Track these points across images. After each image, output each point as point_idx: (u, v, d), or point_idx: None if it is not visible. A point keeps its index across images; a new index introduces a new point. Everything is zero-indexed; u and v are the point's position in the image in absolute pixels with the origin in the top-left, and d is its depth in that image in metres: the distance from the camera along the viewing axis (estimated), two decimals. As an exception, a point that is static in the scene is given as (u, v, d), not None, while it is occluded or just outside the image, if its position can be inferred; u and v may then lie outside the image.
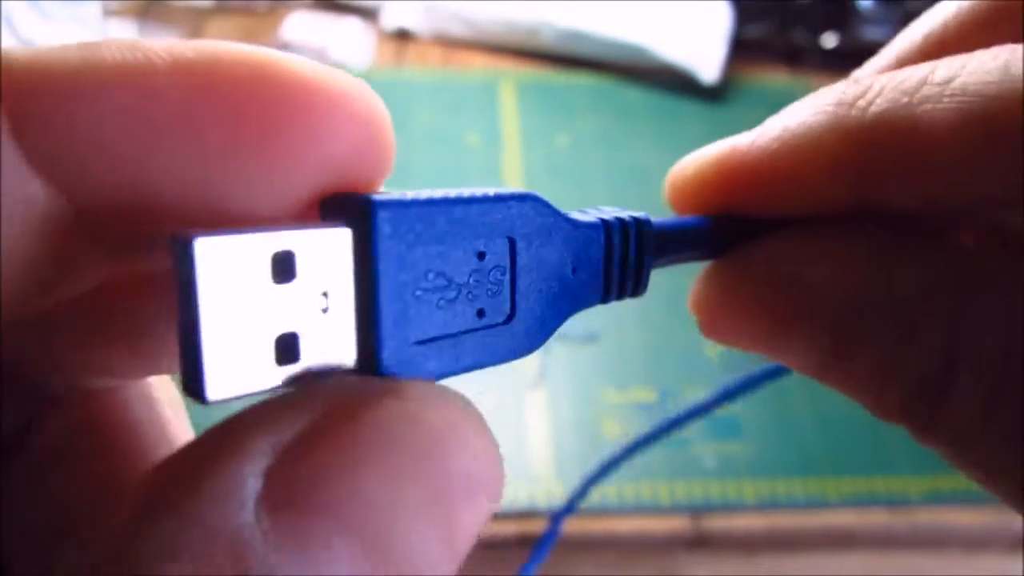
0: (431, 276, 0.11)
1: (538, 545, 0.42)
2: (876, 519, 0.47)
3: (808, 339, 0.14)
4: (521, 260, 0.12)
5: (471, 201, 0.11)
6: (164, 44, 0.10)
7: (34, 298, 0.10)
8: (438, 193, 0.11)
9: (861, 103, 0.13)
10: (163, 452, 0.13)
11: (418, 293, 0.11)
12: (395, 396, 0.09)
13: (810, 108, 0.14)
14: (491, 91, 0.76)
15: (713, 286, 0.16)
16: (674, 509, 0.46)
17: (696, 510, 0.46)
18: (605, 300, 0.14)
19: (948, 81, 0.12)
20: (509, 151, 0.69)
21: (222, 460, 0.09)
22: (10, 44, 0.60)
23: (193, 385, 0.09)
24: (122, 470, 0.12)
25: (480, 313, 0.12)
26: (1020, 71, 0.11)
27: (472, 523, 0.10)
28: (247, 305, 0.09)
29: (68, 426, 0.12)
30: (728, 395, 0.41)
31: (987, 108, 0.12)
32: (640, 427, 0.50)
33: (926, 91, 0.12)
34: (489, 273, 0.12)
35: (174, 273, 0.09)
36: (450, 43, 0.81)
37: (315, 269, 0.10)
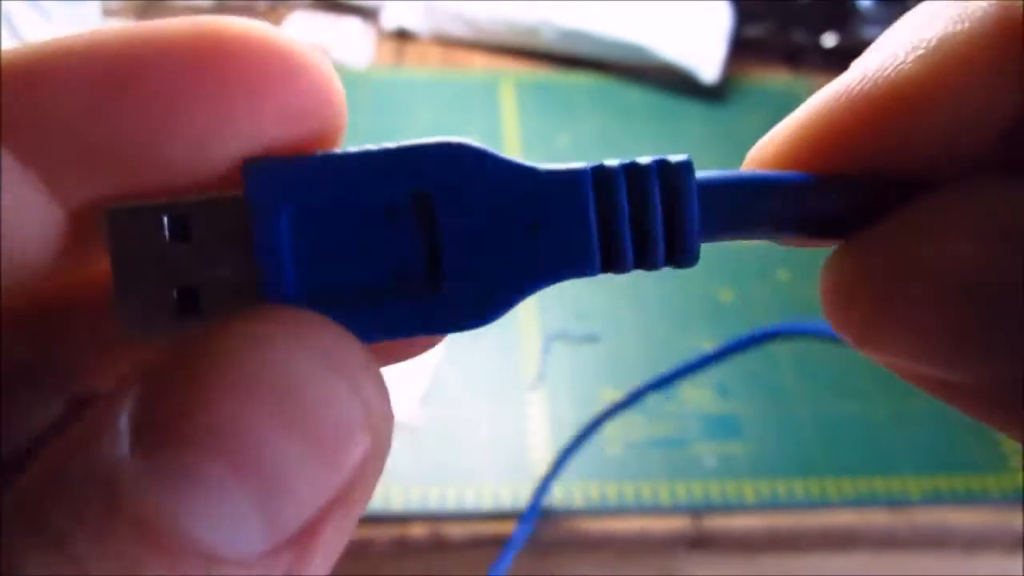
0: (324, 236, 0.11)
1: (507, 545, 0.42)
2: (876, 519, 0.47)
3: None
4: (444, 218, 0.11)
5: (368, 155, 0.11)
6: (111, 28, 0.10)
7: (37, 289, 0.11)
8: (339, 150, 0.11)
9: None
10: None
11: (306, 252, 0.11)
12: (248, 319, 0.10)
13: (955, 8, 0.11)
14: (491, 91, 0.76)
15: (863, 286, 0.11)
16: (674, 509, 0.46)
17: (696, 510, 0.46)
18: (612, 268, 0.11)
19: None
20: (509, 151, 0.69)
21: (104, 400, 0.09)
22: (10, 44, 0.60)
23: (119, 323, 0.11)
24: None
25: (394, 277, 0.11)
26: None
27: (350, 455, 0.09)
28: (150, 263, 0.10)
29: None
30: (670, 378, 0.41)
31: None
32: (639, 427, 0.50)
33: None
34: (401, 232, 0.11)
35: (104, 237, 0.10)
36: (450, 43, 0.81)
37: (213, 231, 0.11)
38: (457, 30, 0.80)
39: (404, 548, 0.45)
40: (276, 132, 0.10)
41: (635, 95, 0.76)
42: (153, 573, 0.08)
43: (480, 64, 0.79)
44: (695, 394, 0.52)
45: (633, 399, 0.42)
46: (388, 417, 0.10)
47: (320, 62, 0.10)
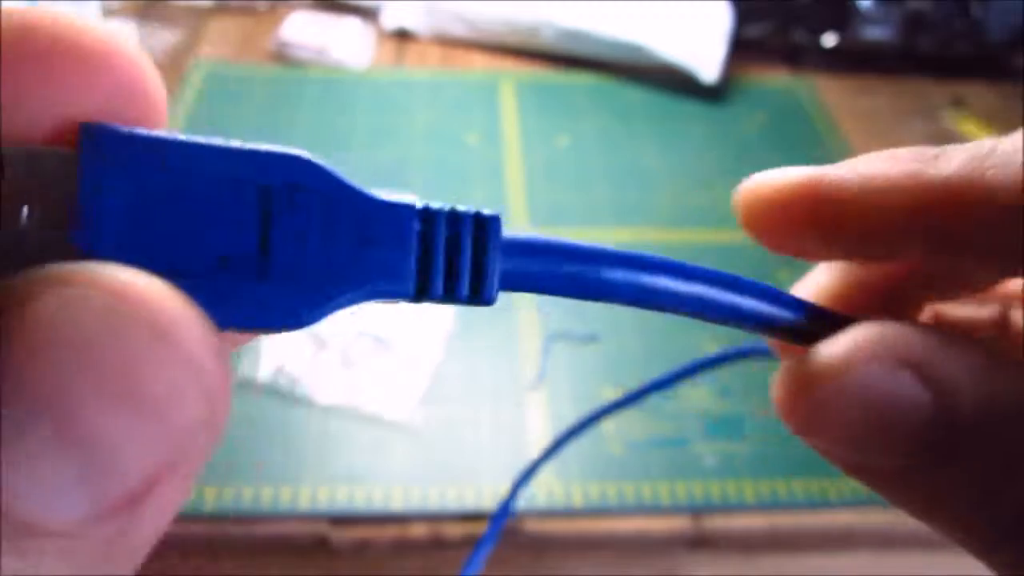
0: (155, 208, 0.11)
1: (479, 544, 0.42)
2: (876, 519, 0.47)
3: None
4: (280, 217, 0.11)
5: (218, 147, 0.11)
6: None
7: None
8: (184, 137, 0.11)
9: (938, 162, 0.14)
10: None
11: (137, 220, 0.11)
12: (62, 280, 0.09)
13: (888, 158, 0.15)
14: (491, 91, 0.76)
15: (799, 393, 0.14)
16: (674, 509, 0.46)
17: (696, 510, 0.46)
18: (424, 296, 0.12)
19: (1014, 150, 0.14)
20: (509, 151, 0.69)
21: None
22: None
23: None
24: None
25: (222, 261, 0.11)
26: None
27: (178, 418, 0.09)
28: None
29: None
30: (659, 385, 0.41)
31: None
32: (639, 427, 0.50)
33: (994, 159, 0.14)
34: (235, 220, 0.11)
35: None
36: (450, 43, 0.81)
37: (22, 184, 0.10)
38: (457, 30, 0.80)
39: (404, 548, 0.45)
40: (82, 110, 0.11)
41: (635, 95, 0.76)
42: None
43: (480, 64, 0.79)
44: (695, 394, 0.52)
45: (627, 402, 0.42)
46: (222, 379, 0.10)
47: (124, 44, 0.11)
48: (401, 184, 0.64)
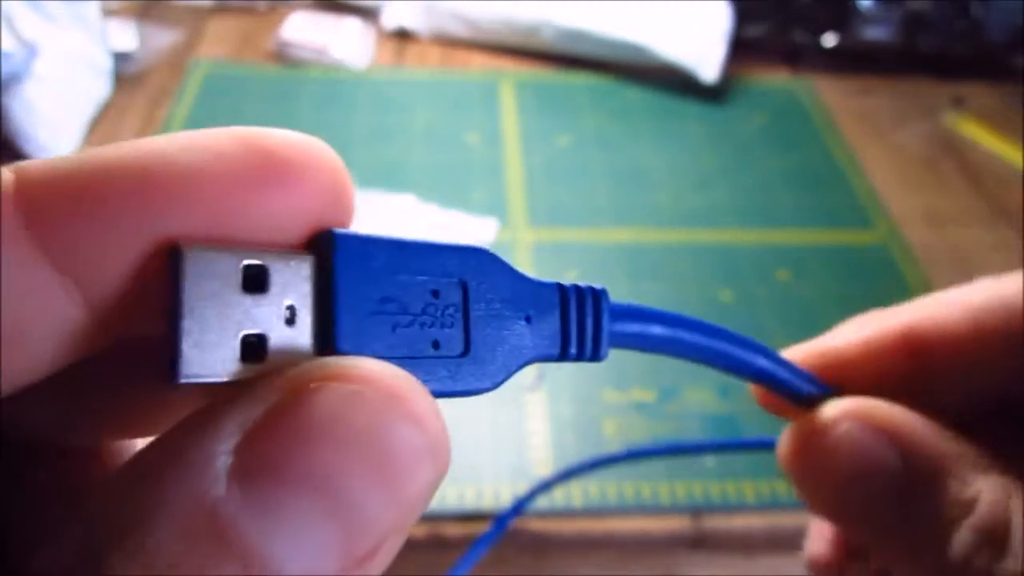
0: (386, 303, 0.12)
1: (477, 543, 0.42)
2: (876, 519, 0.47)
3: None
4: (474, 302, 0.14)
5: (426, 245, 0.13)
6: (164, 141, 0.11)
7: (40, 371, 0.11)
8: (397, 235, 0.13)
9: (900, 313, 0.20)
10: None
11: (373, 314, 0.12)
12: (341, 377, 0.11)
13: (859, 324, 0.21)
14: (491, 91, 0.76)
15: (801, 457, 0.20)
16: (674, 509, 0.46)
17: (696, 510, 0.46)
18: (564, 356, 0.15)
19: (957, 300, 0.20)
20: (509, 151, 0.69)
21: (196, 438, 0.10)
22: (10, 44, 0.60)
23: (168, 368, 0.11)
24: None
25: (435, 344, 0.13)
26: None
27: (418, 486, 0.11)
28: (220, 308, 0.11)
29: (56, 476, 0.14)
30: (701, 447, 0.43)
31: (977, 316, 0.19)
32: (639, 427, 0.50)
33: (943, 306, 0.20)
34: (444, 310, 0.13)
35: (170, 277, 0.11)
36: (450, 43, 0.81)
37: (282, 287, 0.12)
38: (457, 30, 0.80)
39: (404, 548, 0.44)
40: (301, 218, 0.12)
41: (635, 95, 0.76)
42: None
43: (480, 64, 0.79)
44: (695, 394, 0.52)
45: (642, 455, 0.43)
46: (448, 447, 0.12)
47: (334, 159, 0.13)
48: (401, 184, 0.64)
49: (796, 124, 0.75)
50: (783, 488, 0.48)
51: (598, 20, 0.76)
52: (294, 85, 0.74)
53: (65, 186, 0.10)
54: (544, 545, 0.46)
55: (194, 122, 0.69)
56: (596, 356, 0.15)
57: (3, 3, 0.60)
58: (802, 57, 0.82)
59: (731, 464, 0.48)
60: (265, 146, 0.12)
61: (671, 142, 0.72)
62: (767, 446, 0.31)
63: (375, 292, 0.12)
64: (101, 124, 0.68)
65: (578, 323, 0.15)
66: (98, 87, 0.69)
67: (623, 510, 0.46)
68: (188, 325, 0.11)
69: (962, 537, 0.16)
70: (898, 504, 0.17)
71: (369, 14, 0.81)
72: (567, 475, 0.43)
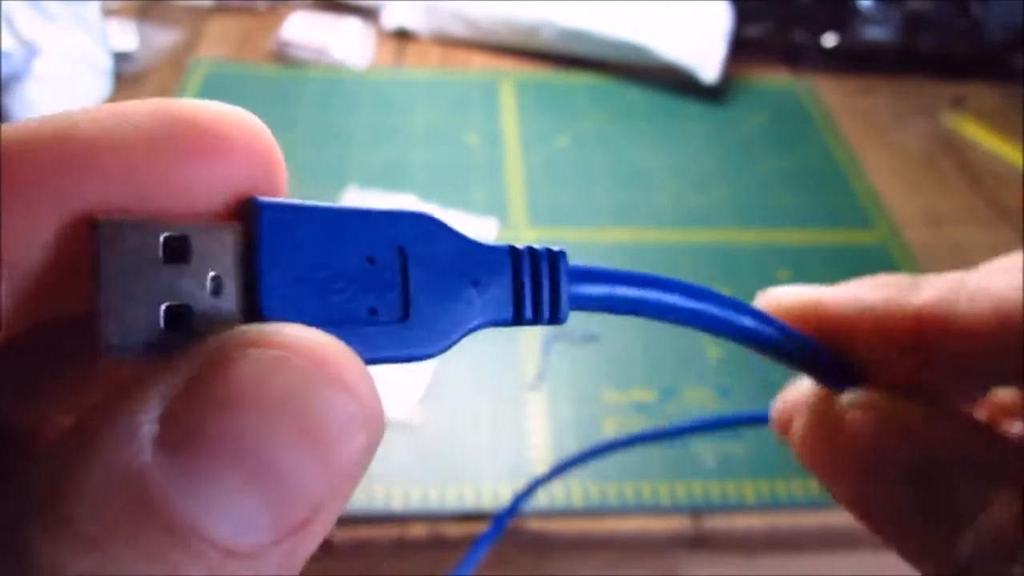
0: (317, 271, 0.12)
1: (477, 543, 0.42)
2: (876, 519, 0.47)
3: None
4: (414, 267, 0.13)
5: (359, 212, 0.13)
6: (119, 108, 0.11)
7: None
8: (330, 203, 0.13)
9: (911, 293, 0.18)
10: None
11: (301, 281, 0.12)
12: (263, 343, 0.11)
13: (872, 285, 0.19)
14: (491, 91, 0.76)
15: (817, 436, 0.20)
16: (674, 509, 0.46)
17: (696, 510, 0.46)
18: (519, 320, 0.15)
19: (979, 287, 0.17)
20: (509, 151, 0.69)
21: (120, 410, 0.10)
22: (10, 44, 0.60)
23: (96, 343, 0.11)
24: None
25: (372, 311, 0.13)
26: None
27: (350, 452, 0.11)
28: (141, 280, 0.11)
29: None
30: (694, 428, 0.43)
31: (1000, 307, 0.17)
32: (639, 427, 0.50)
33: (964, 292, 0.17)
34: (380, 275, 0.13)
35: (90, 251, 0.11)
36: (450, 43, 0.81)
37: (205, 257, 0.11)
38: (457, 30, 0.80)
39: (404, 548, 0.45)
40: (223, 184, 0.12)
41: (635, 95, 0.76)
42: (186, 572, 0.09)
43: (480, 64, 0.79)
44: (695, 394, 0.52)
45: (632, 442, 0.43)
46: (380, 414, 0.11)
47: (263, 133, 0.12)
48: (401, 184, 0.64)
49: (796, 124, 0.75)
50: (783, 488, 0.48)
51: (598, 20, 0.76)
52: (294, 85, 0.74)
53: None
54: (544, 545, 0.46)
55: (194, 122, 0.69)
56: (556, 319, 0.15)
57: (3, 3, 0.60)
58: (802, 57, 0.82)
59: (731, 464, 0.48)
60: (186, 116, 0.12)
61: (671, 142, 0.72)
62: (759, 420, 0.31)
63: (304, 260, 0.12)
64: (101, 124, 0.68)
65: (533, 286, 0.15)
66: (98, 87, 0.69)
67: (623, 510, 0.46)
68: (109, 298, 0.11)
69: (970, 539, 0.16)
70: (914, 496, 0.17)
71: (369, 14, 0.81)
72: (561, 469, 0.43)
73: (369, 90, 0.74)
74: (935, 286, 0.18)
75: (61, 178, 0.11)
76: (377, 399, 0.11)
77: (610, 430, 0.49)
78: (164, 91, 0.72)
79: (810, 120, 0.75)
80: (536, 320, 0.15)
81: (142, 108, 0.11)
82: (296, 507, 0.10)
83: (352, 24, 0.79)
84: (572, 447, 0.48)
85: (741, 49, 0.78)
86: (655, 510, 0.46)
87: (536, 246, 0.15)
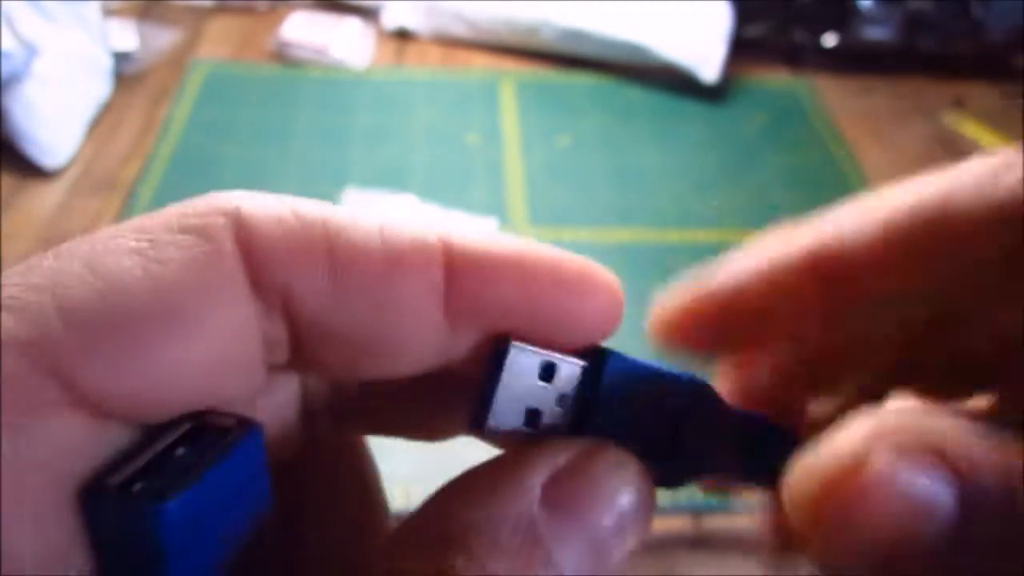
0: (631, 409, 0.16)
1: None
2: (876, 519, 0.47)
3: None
4: (686, 425, 0.16)
5: (664, 372, 0.16)
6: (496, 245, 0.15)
7: (412, 369, 0.15)
8: (651, 362, 0.16)
9: (801, 236, 0.17)
10: (364, 486, 0.20)
11: (627, 413, 0.16)
12: (602, 455, 0.15)
13: (772, 245, 0.18)
14: (491, 91, 0.76)
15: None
16: (674, 509, 0.46)
17: (696, 510, 0.46)
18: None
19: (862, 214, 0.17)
20: (509, 151, 0.69)
21: (516, 473, 0.14)
22: (10, 44, 0.60)
23: (476, 420, 0.15)
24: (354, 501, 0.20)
25: (646, 449, 0.16)
26: None
27: (625, 546, 0.15)
28: (520, 387, 0.15)
29: (332, 461, 0.19)
30: None
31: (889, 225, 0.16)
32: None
33: (845, 225, 0.17)
34: (658, 428, 0.16)
35: (492, 352, 0.15)
36: (450, 43, 0.81)
37: (561, 381, 0.15)
38: (457, 30, 0.80)
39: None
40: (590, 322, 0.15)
41: (635, 95, 0.76)
42: None
43: (480, 64, 0.79)
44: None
45: None
46: (651, 515, 0.16)
47: (613, 281, 0.15)
48: (401, 184, 0.64)
49: (796, 124, 0.75)
50: (783, 488, 0.48)
51: (598, 20, 0.76)
52: (294, 85, 0.74)
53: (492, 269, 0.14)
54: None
55: (194, 122, 0.69)
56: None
57: (3, 3, 0.60)
58: (802, 57, 0.82)
59: (731, 464, 0.48)
60: (574, 268, 0.15)
61: (671, 142, 0.72)
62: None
63: (625, 410, 0.16)
64: (101, 124, 0.68)
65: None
66: (98, 87, 0.69)
67: (623, 510, 0.46)
68: (501, 395, 0.15)
69: None
70: (948, 557, 0.12)
71: (369, 14, 0.81)
72: None
73: (369, 90, 0.74)
74: (817, 223, 0.17)
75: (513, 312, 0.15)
76: (650, 514, 0.16)
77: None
78: (164, 91, 0.72)
79: (810, 120, 0.75)
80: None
81: (541, 251, 0.15)
82: (604, 565, 0.15)
83: (352, 24, 0.79)
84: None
85: (741, 49, 0.78)
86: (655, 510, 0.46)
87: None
